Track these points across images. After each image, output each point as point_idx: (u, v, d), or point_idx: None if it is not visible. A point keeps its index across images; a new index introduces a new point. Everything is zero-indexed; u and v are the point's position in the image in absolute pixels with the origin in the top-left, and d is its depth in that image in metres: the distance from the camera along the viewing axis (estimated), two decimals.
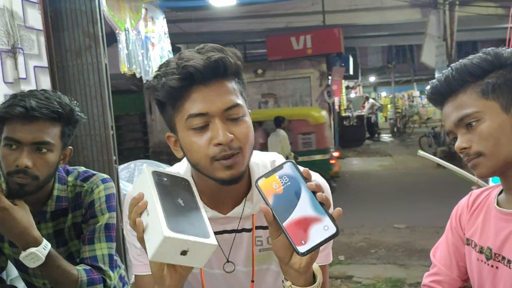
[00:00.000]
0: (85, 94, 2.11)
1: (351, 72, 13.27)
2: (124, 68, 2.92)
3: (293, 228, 0.83)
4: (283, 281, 0.94)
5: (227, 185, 0.98)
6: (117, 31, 2.87)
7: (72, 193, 1.47)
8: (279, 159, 1.15)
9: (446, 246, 1.18)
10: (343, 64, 12.15)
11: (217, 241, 1.08)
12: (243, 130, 0.97)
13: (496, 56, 1.00)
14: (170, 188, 0.91)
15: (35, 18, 1.95)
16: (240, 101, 0.98)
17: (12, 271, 1.68)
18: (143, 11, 3.08)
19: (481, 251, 1.05)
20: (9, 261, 1.53)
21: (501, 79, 0.98)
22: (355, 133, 15.79)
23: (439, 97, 1.06)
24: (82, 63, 2.11)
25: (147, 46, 3.14)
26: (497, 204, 1.05)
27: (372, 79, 22.04)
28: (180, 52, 0.99)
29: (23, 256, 1.27)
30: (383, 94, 24.89)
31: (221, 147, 0.94)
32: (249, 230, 1.09)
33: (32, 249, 1.26)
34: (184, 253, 0.84)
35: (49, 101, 1.32)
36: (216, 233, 1.08)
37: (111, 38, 2.89)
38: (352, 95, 21.66)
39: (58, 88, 2.10)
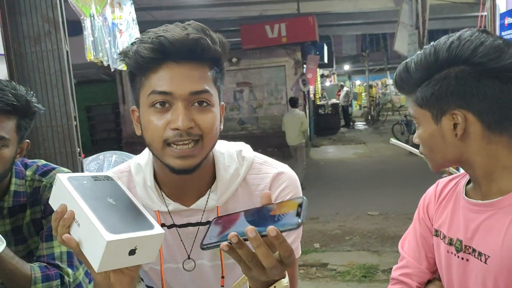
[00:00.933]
0: (45, 83, 1.99)
1: (325, 61, 13.31)
2: (90, 56, 2.81)
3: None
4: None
5: (177, 174, 0.93)
6: (82, 17, 2.74)
7: (31, 188, 1.41)
8: (246, 148, 1.10)
9: (414, 238, 1.15)
10: (317, 53, 12.16)
11: (179, 236, 1.03)
12: (208, 119, 0.92)
13: (435, 56, 0.94)
14: (94, 189, 0.84)
15: None
16: (210, 89, 0.92)
17: None
18: None
19: (450, 243, 1.02)
20: None
21: (429, 91, 0.95)
22: (330, 121, 15.91)
23: (400, 91, 1.07)
24: (42, 50, 1.99)
25: (114, 33, 3.03)
26: (466, 194, 1.02)
27: (346, 67, 22.16)
28: (165, 25, 0.92)
29: None
30: (358, 82, 25.09)
31: (178, 132, 0.88)
32: None
33: None
34: (132, 252, 0.79)
35: (3, 92, 1.25)
36: (179, 226, 1.03)
37: (76, 28, 2.78)
38: (327, 83, 21.77)
39: (16, 77, 1.99)
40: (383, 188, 7.48)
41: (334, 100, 17.98)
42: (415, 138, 1.04)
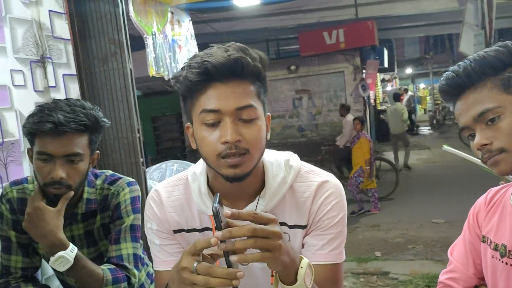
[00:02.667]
0: (111, 99, 2.19)
1: (385, 65, 13.02)
2: (152, 72, 3.00)
3: None
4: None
5: (231, 182, 1.01)
6: (144, 36, 2.94)
7: (100, 196, 1.56)
8: (293, 158, 1.17)
9: (463, 244, 1.16)
10: (377, 57, 11.93)
11: None
12: (253, 132, 0.99)
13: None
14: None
15: (62, 28, 2.04)
16: (254, 103, 1.00)
17: (47, 270, 1.77)
18: (169, 15, 3.14)
19: (496, 249, 1.03)
20: (43, 261, 1.62)
21: None
22: None
23: (456, 89, 1.02)
24: (109, 69, 2.19)
25: (174, 48, 3.21)
26: None
27: (409, 70, 21.50)
28: (209, 48, 1.02)
29: (52, 260, 1.35)
30: (422, 85, 24.24)
31: (228, 145, 0.97)
32: None
33: (61, 253, 1.34)
34: None
35: (75, 114, 1.39)
36: None
37: (141, 43, 2.97)
38: (389, 88, 21.23)
39: (87, 94, 2.19)
40: (448, 195, 7.19)
41: None
42: (483, 139, 0.98)
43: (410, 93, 18.26)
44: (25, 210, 1.38)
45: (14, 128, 1.78)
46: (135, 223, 1.55)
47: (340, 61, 11.40)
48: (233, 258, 0.83)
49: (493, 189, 1.14)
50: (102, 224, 1.57)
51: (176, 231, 1.15)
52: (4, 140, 1.73)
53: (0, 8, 1.75)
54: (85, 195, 1.54)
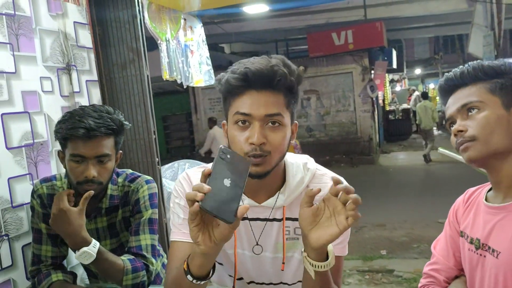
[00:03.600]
0: (130, 103, 2.35)
1: (394, 66, 13.05)
2: (166, 76, 3.14)
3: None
4: (302, 251, 1.10)
5: (252, 178, 1.15)
6: (158, 42, 3.09)
7: (122, 192, 1.73)
8: (310, 161, 1.31)
9: (445, 239, 1.31)
10: (385, 58, 11.98)
11: (250, 226, 1.26)
12: (277, 137, 1.14)
13: (509, 66, 1.14)
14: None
15: (85, 37, 2.20)
16: (283, 112, 1.14)
17: (73, 260, 1.94)
18: (182, 21, 3.29)
19: (471, 242, 1.18)
20: (70, 250, 1.77)
21: (509, 82, 1.12)
22: (401, 126, 15.53)
23: (451, 86, 1.19)
24: (127, 75, 2.35)
25: (186, 53, 3.35)
26: (486, 199, 1.17)
27: (418, 71, 21.47)
28: (251, 58, 1.15)
29: (77, 255, 1.51)
30: (431, 86, 24.19)
31: (253, 146, 1.11)
32: (279, 220, 1.26)
33: (85, 248, 1.50)
34: None
35: (103, 119, 1.57)
36: (250, 219, 1.26)
37: (152, 44, 3.12)
38: (398, 88, 21.23)
39: (107, 98, 2.36)
40: (454, 195, 7.19)
41: (405, 105, 17.52)
42: (460, 126, 1.12)
43: (417, 92, 18.22)
44: (51, 210, 1.53)
45: (43, 130, 1.94)
46: (153, 217, 1.71)
47: (348, 62, 11.47)
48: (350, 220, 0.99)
49: (470, 190, 1.29)
50: (123, 218, 1.74)
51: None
52: (35, 141, 1.90)
53: (31, 21, 1.92)
54: (109, 192, 1.71)
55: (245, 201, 1.24)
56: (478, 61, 1.17)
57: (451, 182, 8.37)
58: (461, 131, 1.13)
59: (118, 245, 1.77)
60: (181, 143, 14.58)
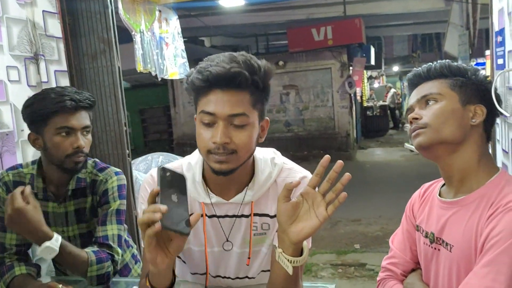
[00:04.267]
0: (100, 94, 2.33)
1: (372, 62, 13.19)
2: (140, 68, 3.12)
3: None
4: (275, 247, 1.12)
5: (216, 174, 1.16)
6: (132, 33, 3.06)
7: (90, 179, 1.74)
8: (277, 155, 1.33)
9: (402, 233, 1.34)
10: (364, 55, 12.09)
11: (219, 223, 1.27)
12: (242, 137, 1.14)
13: (474, 69, 1.20)
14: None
15: (54, 26, 2.16)
16: (248, 111, 1.13)
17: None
18: (157, 13, 3.27)
19: (426, 236, 1.21)
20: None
21: (469, 82, 1.18)
22: (378, 123, 15.72)
23: (416, 79, 1.24)
24: (98, 66, 2.32)
25: (161, 46, 3.33)
26: (440, 194, 1.21)
27: (396, 68, 21.74)
28: (219, 55, 1.15)
29: (40, 250, 1.48)
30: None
31: (216, 145, 1.12)
32: (247, 216, 1.27)
33: (47, 243, 1.47)
34: None
35: (83, 94, 1.65)
36: (218, 216, 1.28)
37: (129, 36, 3.09)
38: (376, 85, 21.47)
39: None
40: None
41: (382, 102, 17.74)
42: (415, 114, 1.17)
43: (393, 90, 18.45)
44: (5, 210, 1.47)
45: (9, 120, 1.91)
46: (120, 208, 1.72)
47: (327, 58, 11.52)
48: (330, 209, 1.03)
49: (426, 185, 1.33)
50: (92, 206, 1.74)
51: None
52: (0, 131, 1.87)
53: None
54: (75, 176, 1.70)
55: (213, 199, 1.25)
56: (448, 60, 1.21)
57: (426, 178, 8.47)
58: (416, 118, 1.17)
59: (87, 231, 1.77)
60: (159, 136, 14.48)
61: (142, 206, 1.31)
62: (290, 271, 1.08)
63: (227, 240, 1.29)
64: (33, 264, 1.69)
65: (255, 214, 1.27)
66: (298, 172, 1.29)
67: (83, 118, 1.63)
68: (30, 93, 2.05)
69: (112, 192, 1.72)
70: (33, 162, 1.72)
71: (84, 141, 1.63)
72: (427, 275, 1.23)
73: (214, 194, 1.25)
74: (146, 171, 3.32)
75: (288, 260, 1.08)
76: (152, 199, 0.96)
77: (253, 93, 1.14)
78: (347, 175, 1.01)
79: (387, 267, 1.33)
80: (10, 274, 1.59)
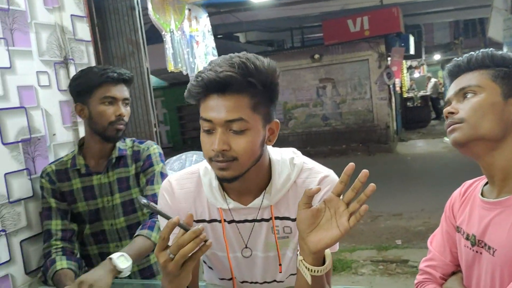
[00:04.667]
0: (130, 96, 2.33)
1: (412, 52, 12.78)
2: (170, 67, 3.13)
3: None
4: (297, 254, 1.07)
5: (221, 181, 1.13)
6: (163, 33, 3.07)
7: (131, 151, 1.88)
8: (297, 155, 1.26)
9: (441, 234, 1.25)
10: (403, 44, 11.73)
11: (237, 228, 1.23)
12: (241, 143, 1.08)
13: None
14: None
15: (83, 30, 2.18)
16: (246, 116, 1.07)
17: None
18: (187, 11, 3.26)
19: (467, 238, 1.12)
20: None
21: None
22: (420, 114, 15.26)
23: (456, 70, 1.15)
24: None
25: (192, 44, 3.33)
26: (482, 194, 1.11)
27: (437, 57, 21.00)
28: (221, 57, 1.11)
29: (115, 256, 1.56)
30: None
31: (215, 153, 1.07)
32: (267, 220, 1.22)
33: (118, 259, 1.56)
34: None
35: (124, 70, 1.82)
36: (237, 221, 1.24)
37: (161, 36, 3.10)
38: (416, 74, 20.84)
39: None
40: None
41: (423, 92, 17.21)
42: (452, 108, 1.10)
43: (434, 79, 17.82)
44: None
45: (41, 125, 1.94)
46: (163, 171, 1.87)
47: (364, 49, 11.27)
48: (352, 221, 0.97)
49: (468, 182, 1.23)
50: (136, 173, 1.87)
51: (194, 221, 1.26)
52: (32, 136, 1.90)
53: (26, 15, 1.90)
54: (117, 145, 1.86)
55: (230, 205, 1.21)
56: (491, 49, 1.12)
57: (471, 170, 8.16)
58: (452, 113, 1.10)
59: (129, 199, 1.86)
60: (197, 133, 14.55)
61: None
62: (309, 280, 1.02)
63: (246, 247, 1.25)
64: (75, 258, 1.76)
65: (276, 218, 1.22)
66: (319, 172, 1.22)
67: (124, 91, 1.79)
68: (60, 97, 2.07)
69: (155, 157, 1.87)
70: (80, 140, 1.90)
71: (125, 110, 1.79)
72: (468, 279, 1.14)
73: (231, 200, 1.21)
74: (181, 169, 3.33)
75: (307, 269, 1.02)
76: (173, 227, 0.96)
77: (253, 96, 1.08)
78: (371, 186, 0.94)
79: (425, 269, 1.25)
80: (52, 269, 1.67)
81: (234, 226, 1.24)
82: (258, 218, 1.22)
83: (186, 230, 0.93)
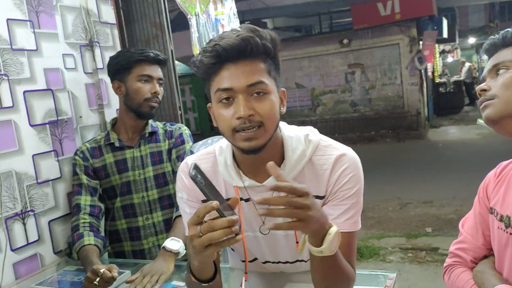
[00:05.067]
0: None
1: (445, 35, 12.40)
2: (196, 51, 3.10)
3: None
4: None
5: (247, 154, 1.10)
6: (188, 17, 3.04)
7: (163, 130, 2.01)
8: (313, 132, 1.23)
9: (473, 216, 1.20)
10: (435, 28, 11.39)
11: (255, 207, 1.21)
12: (265, 106, 1.07)
13: None
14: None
15: (108, 13, 2.18)
16: (265, 79, 1.07)
17: None
18: None
19: (501, 219, 1.06)
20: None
21: None
22: (452, 100, 14.82)
23: (492, 48, 1.12)
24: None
25: (217, 28, 3.29)
26: None
27: (472, 40, 20.31)
28: (224, 31, 1.11)
29: (166, 243, 1.68)
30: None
31: (242, 120, 1.05)
32: None
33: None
34: None
35: (160, 52, 1.94)
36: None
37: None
38: (449, 59, 20.23)
39: None
40: None
41: (457, 77, 16.70)
42: (484, 85, 1.07)
43: (468, 64, 17.24)
44: None
45: (67, 107, 1.96)
46: (192, 150, 1.98)
47: (395, 33, 10.98)
48: (268, 226, 0.91)
49: (504, 163, 1.17)
50: (169, 149, 1.97)
51: (204, 201, 1.25)
52: (59, 118, 1.92)
53: None
54: (150, 122, 1.97)
55: (246, 182, 1.19)
56: None
57: (505, 157, 7.92)
58: (484, 90, 1.06)
59: (161, 173, 1.95)
60: None
61: (178, 194, 1.29)
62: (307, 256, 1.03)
63: (263, 223, 1.23)
64: (101, 236, 1.82)
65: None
66: (336, 149, 1.18)
67: (159, 71, 1.91)
68: (86, 80, 2.09)
69: (186, 136, 1.99)
70: (118, 116, 2.00)
71: (159, 89, 1.90)
72: (500, 263, 1.08)
73: (247, 177, 1.19)
74: None
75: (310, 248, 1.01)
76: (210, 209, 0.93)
77: (265, 61, 1.08)
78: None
79: (455, 252, 1.20)
80: (80, 243, 1.73)
81: (251, 205, 1.22)
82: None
83: (222, 216, 0.92)
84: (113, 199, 1.93)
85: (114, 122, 1.97)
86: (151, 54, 1.87)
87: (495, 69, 1.06)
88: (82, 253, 1.70)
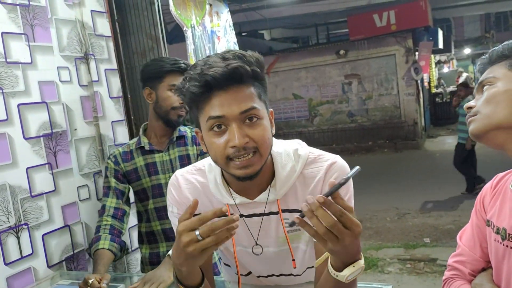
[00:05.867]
0: None
1: (440, 46, 12.48)
2: (192, 62, 3.12)
3: None
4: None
5: (242, 181, 1.08)
6: (184, 29, 3.06)
7: (191, 134, 2.03)
8: (301, 146, 1.21)
9: (471, 229, 1.19)
10: (431, 38, 11.47)
11: (245, 223, 1.20)
12: (259, 132, 1.04)
13: None
14: None
15: (103, 26, 2.19)
16: (256, 104, 1.05)
17: None
18: (208, 7, 3.24)
19: (497, 232, 1.06)
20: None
21: None
22: (449, 110, 14.86)
23: (482, 66, 1.14)
24: None
25: (213, 39, 3.31)
26: None
27: (467, 51, 20.45)
28: (208, 56, 1.07)
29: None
30: None
31: (236, 148, 1.02)
32: (276, 213, 1.18)
33: None
34: None
35: (176, 59, 1.97)
36: (246, 216, 1.20)
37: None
38: (445, 69, 20.34)
39: (128, 87, 2.34)
40: None
41: (453, 87, 16.79)
42: (471, 102, 1.08)
43: (465, 74, 17.35)
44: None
45: (62, 119, 1.95)
46: None
47: (391, 44, 11.06)
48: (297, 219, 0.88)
49: (500, 175, 1.17)
50: (197, 154, 2.00)
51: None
52: (53, 130, 1.91)
53: (46, 11, 1.92)
54: (177, 128, 2.00)
55: (237, 200, 1.18)
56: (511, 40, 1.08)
57: (501, 167, 7.92)
58: (470, 107, 1.08)
59: None
60: None
61: (169, 208, 1.28)
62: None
63: (256, 244, 1.22)
64: (119, 240, 1.86)
65: (284, 211, 1.17)
66: (325, 160, 1.17)
67: None
68: (81, 92, 2.08)
69: None
70: (148, 122, 2.03)
71: None
72: (498, 275, 1.08)
73: (237, 195, 1.17)
74: None
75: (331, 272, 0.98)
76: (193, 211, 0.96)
77: (254, 85, 1.06)
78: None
79: (453, 265, 1.19)
80: (95, 246, 1.80)
81: (242, 221, 1.20)
82: (266, 211, 1.18)
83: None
84: (145, 201, 1.98)
85: (145, 127, 2.03)
86: (183, 65, 1.93)
87: (481, 86, 1.09)
88: (95, 256, 1.77)
